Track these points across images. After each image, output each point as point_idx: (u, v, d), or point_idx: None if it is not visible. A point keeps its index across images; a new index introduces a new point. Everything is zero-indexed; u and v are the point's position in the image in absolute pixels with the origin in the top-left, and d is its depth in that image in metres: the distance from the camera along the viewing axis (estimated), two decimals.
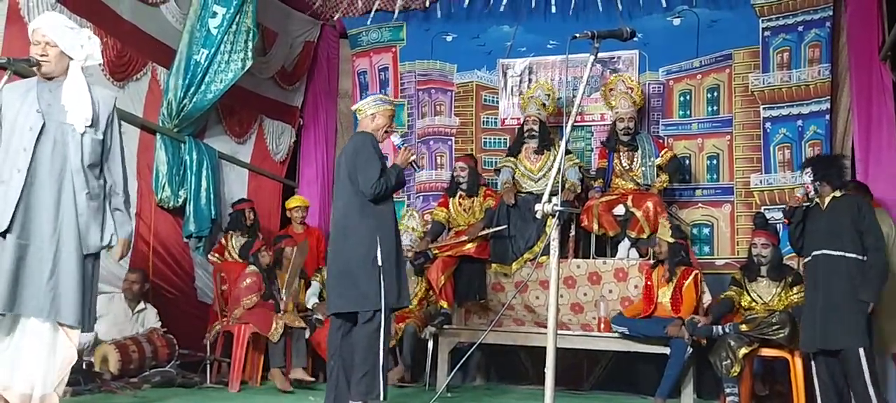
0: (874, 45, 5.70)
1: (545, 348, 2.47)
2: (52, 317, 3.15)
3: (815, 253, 4.31)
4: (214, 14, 5.79)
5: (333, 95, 7.81)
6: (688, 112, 6.56)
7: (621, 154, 6.09)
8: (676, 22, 6.64)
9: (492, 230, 5.93)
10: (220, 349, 5.61)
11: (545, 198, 2.53)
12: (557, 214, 2.52)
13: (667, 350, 4.97)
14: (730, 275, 5.33)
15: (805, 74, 6.13)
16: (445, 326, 5.60)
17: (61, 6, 4.74)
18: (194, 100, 5.85)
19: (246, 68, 5.99)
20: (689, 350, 4.90)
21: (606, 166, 6.18)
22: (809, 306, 4.34)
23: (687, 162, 6.47)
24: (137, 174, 5.61)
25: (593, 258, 5.93)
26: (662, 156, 6.01)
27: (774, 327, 4.65)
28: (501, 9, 6.97)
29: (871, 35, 5.73)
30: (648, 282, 5.32)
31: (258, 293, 5.48)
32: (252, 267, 5.60)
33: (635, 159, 6.05)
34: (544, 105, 6.37)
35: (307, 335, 5.66)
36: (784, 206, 5.37)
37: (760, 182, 6.21)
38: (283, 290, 5.72)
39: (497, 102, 7.07)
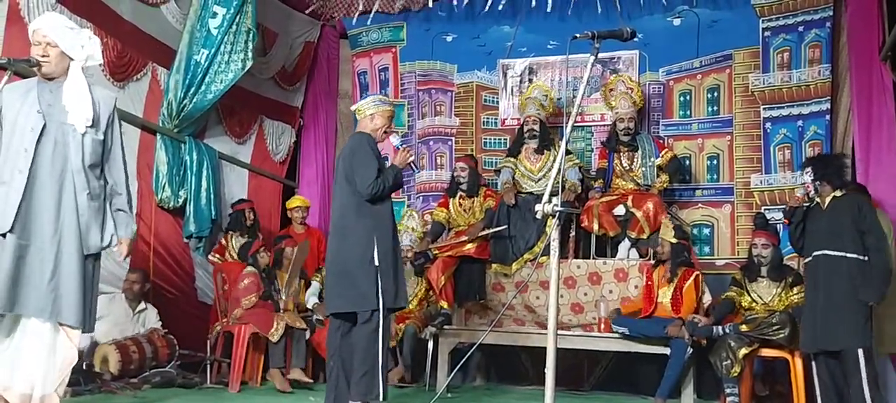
0: (874, 45, 5.70)
1: (545, 348, 2.48)
2: (54, 318, 3.15)
3: (815, 253, 4.30)
4: (214, 14, 5.79)
5: (333, 96, 7.81)
6: (688, 112, 6.56)
7: (621, 154, 6.10)
8: (677, 22, 6.64)
9: (492, 230, 5.93)
10: (220, 349, 5.61)
11: (545, 198, 2.54)
12: (557, 214, 2.52)
13: (667, 351, 4.97)
14: (730, 276, 5.33)
15: (805, 74, 6.13)
16: (445, 326, 5.60)
17: (61, 6, 4.74)
18: (194, 100, 5.85)
19: (246, 69, 5.99)
20: (690, 350, 4.89)
21: (606, 166, 6.18)
22: (810, 306, 4.34)
23: (687, 162, 6.47)
24: (138, 174, 5.61)
25: (593, 258, 5.94)
26: (663, 157, 6.02)
27: (775, 327, 4.65)
28: (500, 7, 6.94)
29: (871, 35, 5.73)
30: (649, 282, 5.32)
31: (256, 293, 5.48)
32: (250, 268, 5.60)
33: (635, 159, 6.06)
34: (542, 105, 6.37)
35: (307, 336, 5.66)
36: (784, 206, 5.37)
37: (761, 182, 6.21)
38: (283, 289, 5.73)
39: (497, 103, 7.07)
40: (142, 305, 5.35)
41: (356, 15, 7.40)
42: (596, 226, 5.85)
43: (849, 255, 4.16)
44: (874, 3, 5.72)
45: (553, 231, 2.56)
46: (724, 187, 6.35)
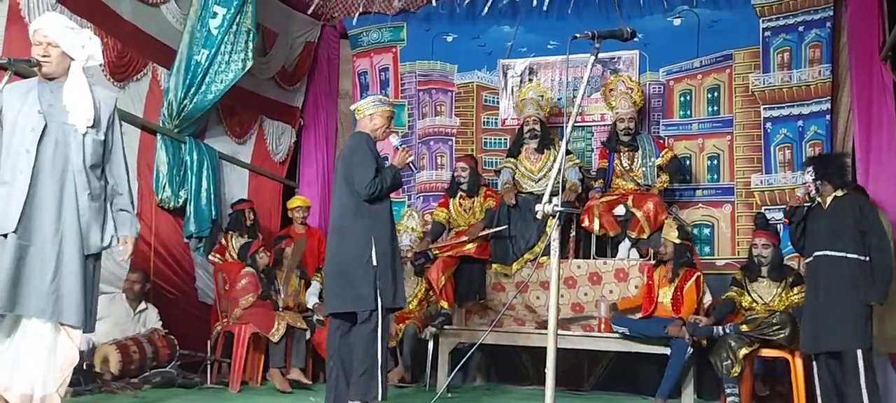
0: (875, 45, 5.69)
1: (545, 348, 2.48)
2: (55, 318, 3.15)
3: (816, 253, 4.29)
4: (215, 14, 5.79)
5: (334, 96, 7.81)
6: (688, 112, 6.56)
7: (622, 154, 6.10)
8: (677, 22, 6.64)
9: (492, 230, 5.93)
10: (220, 349, 5.61)
11: (545, 198, 2.54)
12: (558, 215, 2.52)
13: (667, 351, 4.97)
14: (730, 276, 5.33)
15: (805, 74, 6.13)
16: (446, 326, 5.60)
17: (62, 7, 4.74)
18: (195, 100, 5.85)
19: (246, 69, 5.99)
20: (690, 350, 4.90)
21: (607, 166, 6.18)
22: (810, 307, 4.33)
23: (687, 162, 6.47)
24: (138, 174, 5.61)
25: (594, 258, 5.94)
26: (663, 157, 6.02)
27: (775, 327, 4.65)
28: (500, 7, 6.94)
29: (871, 35, 5.72)
30: (649, 281, 5.32)
31: (255, 293, 5.47)
32: (248, 268, 5.60)
33: (636, 159, 6.06)
34: (540, 105, 6.37)
35: (308, 336, 5.66)
36: (785, 206, 5.38)
37: (761, 182, 6.21)
38: (282, 287, 5.73)
39: (497, 103, 7.07)
40: (142, 305, 5.36)
41: (356, 15, 7.40)
42: (596, 226, 5.85)
43: (850, 256, 4.16)
44: (874, 3, 5.72)
45: (553, 231, 2.55)
46: (725, 187, 6.35)
